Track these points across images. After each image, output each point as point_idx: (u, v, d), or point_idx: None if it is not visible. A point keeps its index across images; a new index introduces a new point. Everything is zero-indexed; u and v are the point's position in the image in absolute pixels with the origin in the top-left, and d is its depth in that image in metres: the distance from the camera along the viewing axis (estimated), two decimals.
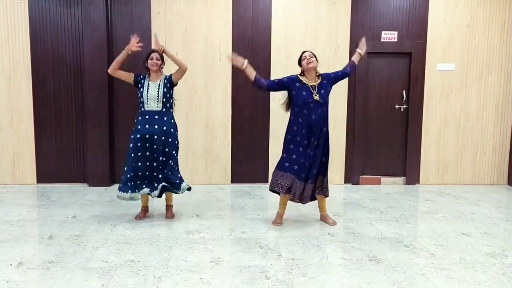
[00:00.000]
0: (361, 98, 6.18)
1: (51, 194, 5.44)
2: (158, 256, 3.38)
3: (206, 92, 6.01)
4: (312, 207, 4.57)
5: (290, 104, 4.16)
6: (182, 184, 4.32)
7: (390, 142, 6.35)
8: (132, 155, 4.15)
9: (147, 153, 4.17)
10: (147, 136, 4.14)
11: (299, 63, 4.16)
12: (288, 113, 4.19)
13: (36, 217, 4.46)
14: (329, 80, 4.12)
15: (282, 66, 6.03)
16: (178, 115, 5.67)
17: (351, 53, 6.06)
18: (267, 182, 6.19)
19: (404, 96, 6.23)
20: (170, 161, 4.24)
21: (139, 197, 4.21)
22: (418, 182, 6.36)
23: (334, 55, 6.08)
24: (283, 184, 4.05)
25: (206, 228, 4.12)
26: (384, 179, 6.32)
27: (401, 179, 6.35)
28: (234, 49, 5.98)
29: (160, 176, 4.19)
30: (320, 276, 3.05)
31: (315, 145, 4.01)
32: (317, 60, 4.08)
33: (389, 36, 6.10)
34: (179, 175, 4.37)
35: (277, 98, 5.98)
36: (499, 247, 3.71)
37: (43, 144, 5.94)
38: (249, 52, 6.00)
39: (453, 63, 6.18)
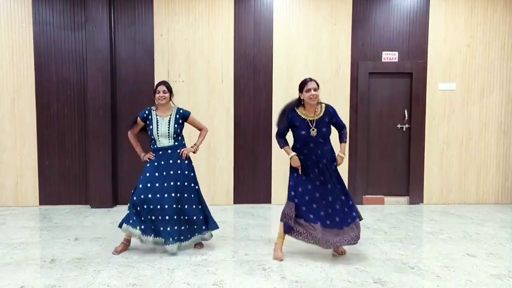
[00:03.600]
0: (363, 118, 6.20)
1: (53, 216, 5.42)
2: (161, 280, 3.34)
3: (208, 113, 6.04)
4: None
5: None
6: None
7: (393, 161, 6.33)
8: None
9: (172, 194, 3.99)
10: (164, 173, 3.98)
11: (300, 90, 3.81)
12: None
13: (38, 239, 4.45)
14: (330, 121, 3.84)
15: (283, 87, 6.07)
16: None
17: (352, 73, 6.12)
18: (270, 202, 6.18)
19: (406, 115, 6.25)
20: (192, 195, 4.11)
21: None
22: (422, 202, 6.32)
23: (335, 75, 6.12)
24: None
25: (209, 250, 4.09)
26: (387, 199, 6.29)
27: (404, 199, 6.32)
28: (236, 70, 6.04)
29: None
30: None
31: (321, 181, 3.86)
32: (318, 87, 3.77)
33: (389, 56, 6.16)
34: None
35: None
36: (505, 268, 3.66)
37: (46, 166, 5.96)
38: (251, 73, 6.06)
39: (454, 82, 6.22)
